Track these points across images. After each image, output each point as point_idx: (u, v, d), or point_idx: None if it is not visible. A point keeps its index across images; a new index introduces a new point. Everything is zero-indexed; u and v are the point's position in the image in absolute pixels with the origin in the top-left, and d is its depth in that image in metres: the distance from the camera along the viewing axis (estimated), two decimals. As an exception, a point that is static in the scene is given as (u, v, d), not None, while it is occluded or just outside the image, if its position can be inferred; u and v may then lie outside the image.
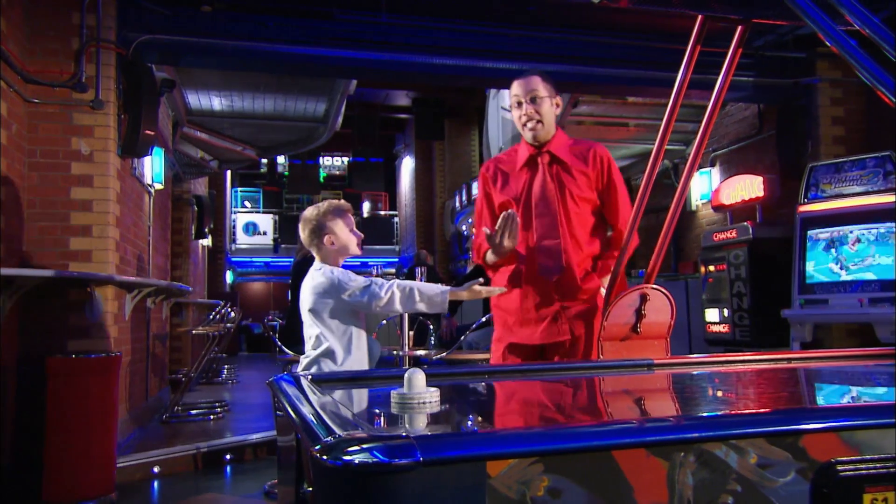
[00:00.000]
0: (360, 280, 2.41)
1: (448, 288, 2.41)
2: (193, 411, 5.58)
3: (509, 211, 2.24)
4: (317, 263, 2.52)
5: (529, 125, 2.35)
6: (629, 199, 2.41)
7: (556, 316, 2.34)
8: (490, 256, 2.39)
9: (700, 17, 1.91)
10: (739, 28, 1.90)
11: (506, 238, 2.23)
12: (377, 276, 5.30)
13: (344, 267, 2.55)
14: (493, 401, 1.50)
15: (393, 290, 2.34)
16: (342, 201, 2.61)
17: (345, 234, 2.53)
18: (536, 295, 2.34)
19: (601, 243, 2.43)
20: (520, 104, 2.37)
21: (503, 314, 2.44)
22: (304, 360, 2.51)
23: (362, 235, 2.66)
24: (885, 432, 0.87)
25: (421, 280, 5.41)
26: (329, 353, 2.39)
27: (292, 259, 4.52)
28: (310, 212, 2.56)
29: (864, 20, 1.18)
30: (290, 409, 1.07)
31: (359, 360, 2.44)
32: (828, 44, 1.23)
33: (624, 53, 5.19)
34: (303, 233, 2.54)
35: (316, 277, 2.46)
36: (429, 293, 2.35)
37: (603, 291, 2.31)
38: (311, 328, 2.46)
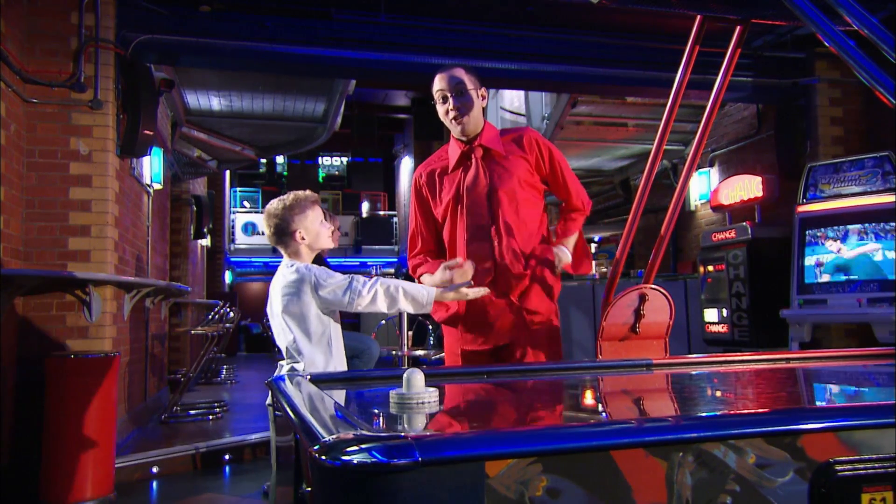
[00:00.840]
0: (339, 277, 2.26)
1: (434, 289, 2.25)
2: (192, 411, 5.58)
3: (457, 261, 2.16)
4: (286, 261, 2.34)
5: (457, 119, 2.24)
6: (574, 174, 2.40)
7: (499, 316, 2.24)
8: (428, 280, 2.28)
9: (699, 17, 1.91)
10: (738, 28, 1.90)
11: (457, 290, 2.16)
12: (375, 276, 5.30)
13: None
14: (491, 401, 1.50)
15: (376, 289, 2.21)
16: (308, 192, 2.41)
17: (315, 225, 2.34)
18: (476, 299, 2.21)
19: (546, 229, 2.36)
20: (445, 98, 2.25)
21: (452, 326, 2.35)
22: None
23: (337, 223, 2.51)
24: (884, 432, 0.87)
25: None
26: (310, 366, 2.20)
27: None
28: (274, 205, 2.36)
29: (862, 21, 1.18)
30: (288, 410, 1.07)
31: (340, 361, 2.31)
32: (826, 44, 1.24)
33: (623, 53, 5.19)
34: (267, 229, 2.35)
35: (288, 275, 2.28)
36: (413, 293, 2.22)
37: (561, 260, 2.32)
38: (284, 335, 2.27)
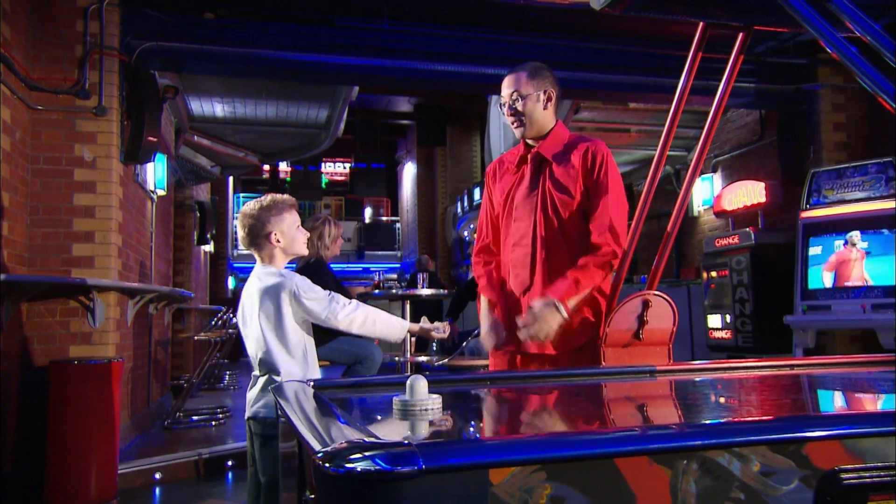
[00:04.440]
0: (320, 290, 2.23)
1: (407, 323, 2.39)
2: (195, 417, 5.58)
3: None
4: (261, 265, 2.28)
5: (514, 123, 2.23)
6: (622, 204, 2.17)
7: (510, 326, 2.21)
8: (482, 308, 2.29)
9: (701, 23, 1.91)
10: (741, 35, 1.90)
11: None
12: (379, 282, 5.30)
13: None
14: (495, 408, 1.50)
15: (355, 313, 2.21)
16: (286, 195, 2.37)
17: (291, 230, 2.29)
18: (510, 304, 2.22)
19: (583, 248, 2.16)
20: (504, 104, 2.24)
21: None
22: (254, 395, 2.22)
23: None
24: (890, 440, 0.87)
25: (423, 286, 5.41)
26: (286, 378, 2.12)
27: (294, 265, 4.51)
28: (250, 207, 2.29)
29: (864, 27, 1.18)
30: (292, 416, 1.07)
31: (315, 374, 2.27)
32: (829, 50, 1.24)
33: (626, 59, 5.20)
34: (242, 230, 2.28)
35: (266, 279, 2.22)
36: (388, 324, 2.26)
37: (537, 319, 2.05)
38: (257, 344, 2.21)
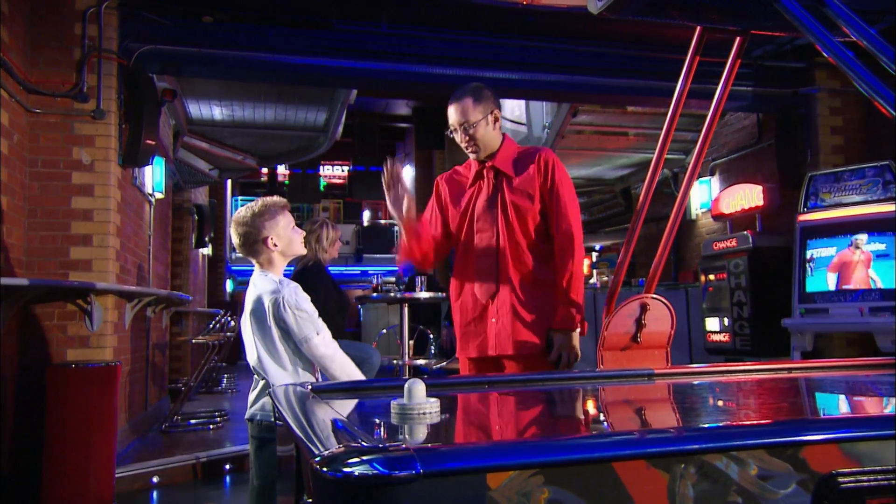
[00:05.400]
0: (309, 309, 2.19)
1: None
2: (193, 421, 5.57)
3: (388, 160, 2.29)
4: (258, 272, 2.26)
5: (469, 149, 2.35)
6: (576, 204, 2.35)
7: (496, 330, 2.30)
8: (399, 224, 2.35)
9: (699, 27, 1.92)
10: (738, 39, 1.91)
11: (397, 190, 2.28)
12: (377, 285, 5.32)
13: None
14: (493, 411, 1.50)
15: (332, 357, 2.17)
16: (276, 197, 2.35)
17: (287, 231, 2.28)
18: (475, 310, 2.33)
19: (546, 252, 2.33)
20: (455, 130, 2.33)
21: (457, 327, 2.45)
22: (253, 397, 2.25)
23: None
24: (887, 443, 0.87)
25: (421, 289, 5.42)
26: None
27: (293, 268, 4.51)
28: (242, 214, 2.27)
29: (860, 32, 1.19)
30: (289, 420, 1.07)
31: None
32: (825, 55, 1.24)
33: (623, 63, 5.21)
34: (237, 238, 2.26)
35: (261, 286, 2.20)
36: (352, 375, 2.21)
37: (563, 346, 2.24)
38: (252, 352, 2.19)
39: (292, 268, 4.50)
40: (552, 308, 2.26)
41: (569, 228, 2.28)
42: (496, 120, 2.35)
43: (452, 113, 2.32)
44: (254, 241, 2.24)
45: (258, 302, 2.20)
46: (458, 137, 2.33)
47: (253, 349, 2.22)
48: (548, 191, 2.31)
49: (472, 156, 2.37)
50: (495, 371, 2.30)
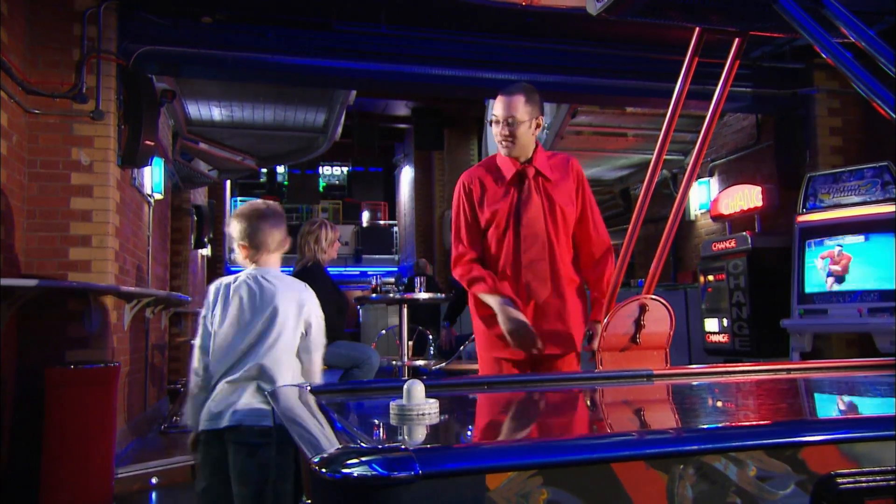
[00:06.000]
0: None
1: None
2: (192, 422, 5.55)
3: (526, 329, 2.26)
4: (283, 274, 2.27)
5: (504, 143, 2.36)
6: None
7: (549, 330, 2.34)
8: (490, 300, 2.35)
9: (698, 28, 1.92)
10: (737, 40, 1.91)
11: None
12: (376, 286, 5.32)
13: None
14: (492, 412, 1.50)
15: (319, 362, 2.25)
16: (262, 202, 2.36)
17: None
18: (524, 311, 2.34)
19: (571, 255, 2.45)
20: (498, 122, 2.35)
21: (487, 328, 2.43)
22: (238, 403, 2.14)
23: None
24: (885, 444, 0.87)
25: (420, 290, 5.42)
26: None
27: (291, 269, 4.50)
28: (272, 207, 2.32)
29: (859, 33, 1.19)
30: (288, 421, 1.07)
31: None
32: (824, 56, 1.24)
33: (622, 64, 5.22)
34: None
35: (296, 282, 2.25)
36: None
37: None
38: (269, 351, 2.14)
39: (291, 268, 4.49)
40: (585, 307, 2.42)
41: (606, 235, 2.46)
42: (538, 126, 2.39)
43: (501, 105, 2.34)
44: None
45: (300, 301, 2.20)
46: (497, 130, 2.35)
47: (272, 349, 2.15)
48: (581, 199, 2.42)
49: (504, 150, 2.37)
50: (530, 370, 2.35)
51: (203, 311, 2.28)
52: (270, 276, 2.23)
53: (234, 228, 2.26)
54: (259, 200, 2.37)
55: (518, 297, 2.34)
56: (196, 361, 2.23)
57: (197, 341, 2.26)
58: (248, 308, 2.19)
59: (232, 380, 2.14)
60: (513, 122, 2.32)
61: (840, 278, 4.80)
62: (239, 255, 2.29)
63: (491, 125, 2.39)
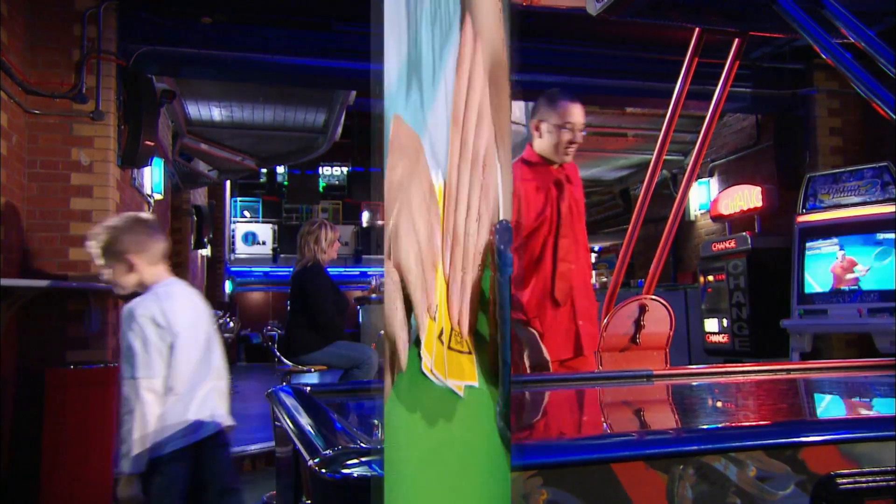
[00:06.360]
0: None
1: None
2: (192, 422, 5.55)
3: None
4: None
5: (570, 150, 2.37)
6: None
7: (576, 335, 2.36)
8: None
9: (698, 29, 1.92)
10: (736, 40, 1.91)
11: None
12: (375, 286, 5.32)
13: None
14: (492, 412, 1.50)
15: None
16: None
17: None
18: (557, 313, 2.35)
19: None
20: (570, 130, 2.34)
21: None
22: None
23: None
24: (885, 445, 0.87)
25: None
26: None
27: (291, 269, 4.50)
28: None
29: (858, 33, 1.19)
30: (288, 421, 1.07)
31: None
32: (824, 56, 1.24)
33: (622, 64, 5.21)
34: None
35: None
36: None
37: None
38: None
39: (291, 268, 4.49)
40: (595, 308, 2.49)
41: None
42: None
43: (580, 113, 2.37)
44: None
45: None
46: (568, 136, 2.33)
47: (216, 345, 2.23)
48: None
49: (566, 157, 2.39)
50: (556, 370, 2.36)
51: (149, 346, 2.00)
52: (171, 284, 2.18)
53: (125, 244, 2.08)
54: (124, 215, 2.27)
55: (562, 302, 2.35)
56: (154, 406, 1.99)
57: (154, 383, 1.99)
58: (201, 312, 2.20)
59: (209, 386, 2.14)
60: (582, 130, 2.38)
61: (842, 279, 4.79)
62: (129, 278, 2.09)
63: (546, 130, 2.35)
